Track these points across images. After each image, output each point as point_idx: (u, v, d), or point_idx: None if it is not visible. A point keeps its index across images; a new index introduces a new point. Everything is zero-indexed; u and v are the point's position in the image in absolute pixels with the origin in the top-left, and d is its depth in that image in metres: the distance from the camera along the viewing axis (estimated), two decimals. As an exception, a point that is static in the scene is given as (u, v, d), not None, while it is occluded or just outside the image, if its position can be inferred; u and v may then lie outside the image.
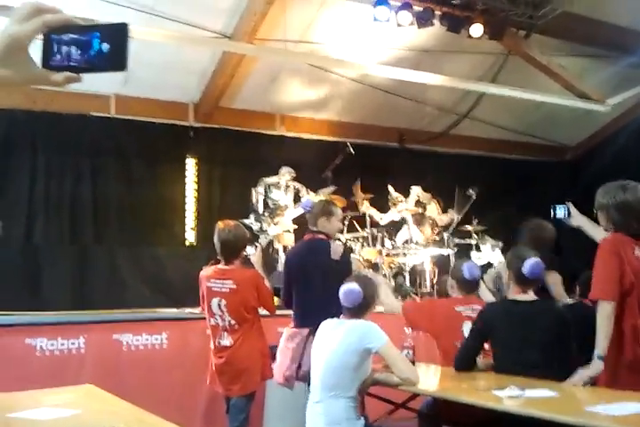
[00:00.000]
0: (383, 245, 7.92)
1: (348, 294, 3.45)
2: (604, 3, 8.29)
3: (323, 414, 3.37)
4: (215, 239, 4.25)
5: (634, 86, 9.64)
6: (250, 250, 4.71)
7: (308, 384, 3.62)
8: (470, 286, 4.25)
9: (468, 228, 8.36)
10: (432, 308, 4.39)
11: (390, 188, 8.28)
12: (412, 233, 7.99)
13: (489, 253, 8.12)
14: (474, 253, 8.17)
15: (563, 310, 3.78)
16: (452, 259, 7.87)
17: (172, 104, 8.80)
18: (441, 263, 8.03)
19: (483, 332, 3.70)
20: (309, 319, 4.05)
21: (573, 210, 4.07)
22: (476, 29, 8.08)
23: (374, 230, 8.01)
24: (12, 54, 1.09)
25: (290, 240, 7.49)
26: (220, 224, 4.28)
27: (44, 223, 8.03)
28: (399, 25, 7.69)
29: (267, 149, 9.06)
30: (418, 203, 8.31)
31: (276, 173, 7.99)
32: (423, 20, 7.82)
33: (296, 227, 7.53)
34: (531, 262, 3.64)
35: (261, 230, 7.47)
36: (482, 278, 4.48)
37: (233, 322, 4.11)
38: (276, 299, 4.75)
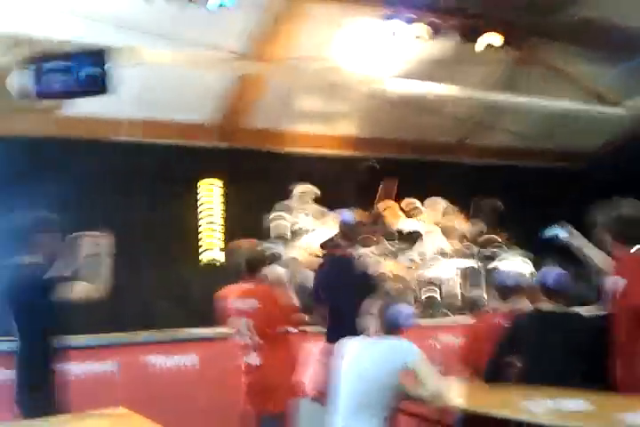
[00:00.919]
0: (411, 260, 7.88)
1: (397, 314, 3.44)
2: (621, 7, 8.23)
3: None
4: (236, 258, 4.27)
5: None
6: (274, 268, 4.72)
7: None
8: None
9: (494, 238, 8.30)
10: None
11: (415, 200, 8.26)
12: (438, 245, 7.95)
13: (517, 263, 8.04)
14: (500, 264, 8.09)
15: (593, 320, 3.73)
16: (482, 271, 7.84)
17: (191, 126, 8.86)
18: (469, 275, 7.99)
19: (511, 343, 3.66)
20: (340, 334, 4.05)
21: (573, 231, 4.05)
22: (492, 39, 8.07)
23: (399, 243, 7.98)
24: None
25: (312, 262, 7.44)
26: (237, 243, 4.31)
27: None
28: (413, 37, 7.72)
29: (286, 167, 9.07)
30: (443, 215, 8.29)
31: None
32: (437, 31, 7.84)
33: (318, 248, 7.51)
34: (554, 273, 3.61)
35: (282, 254, 7.45)
36: None
37: (260, 341, 4.10)
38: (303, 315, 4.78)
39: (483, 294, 7.93)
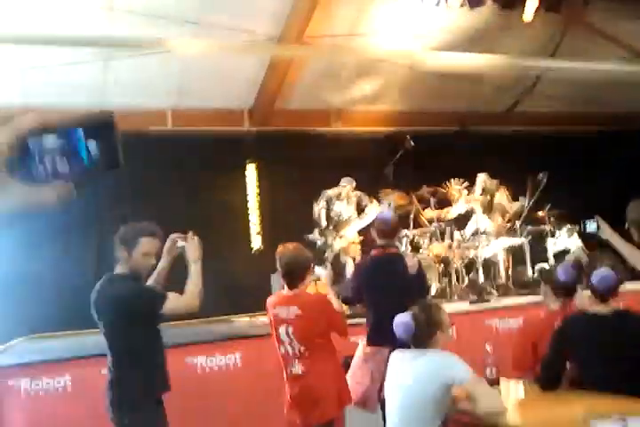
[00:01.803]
0: (452, 239, 7.69)
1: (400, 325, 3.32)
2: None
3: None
4: (277, 264, 4.15)
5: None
6: (319, 271, 4.58)
7: (383, 411, 3.50)
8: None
9: (541, 214, 8.02)
10: None
11: (453, 182, 8.03)
12: (480, 223, 7.73)
13: (565, 238, 7.78)
14: (549, 240, 7.85)
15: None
16: (527, 248, 7.60)
17: (227, 111, 8.75)
18: (515, 253, 7.76)
19: (564, 347, 3.48)
20: (385, 337, 3.94)
21: (602, 224, 4.04)
22: (532, 3, 7.73)
23: (442, 224, 7.78)
24: None
25: (356, 252, 7.34)
26: (279, 248, 4.17)
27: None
28: (452, 7, 7.45)
29: (325, 148, 8.91)
30: (484, 191, 8.03)
31: (336, 171, 7.83)
32: (474, 0, 7.55)
33: (362, 238, 7.38)
34: (607, 275, 3.40)
35: (326, 245, 7.33)
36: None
37: (302, 349, 3.98)
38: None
39: (528, 273, 7.73)
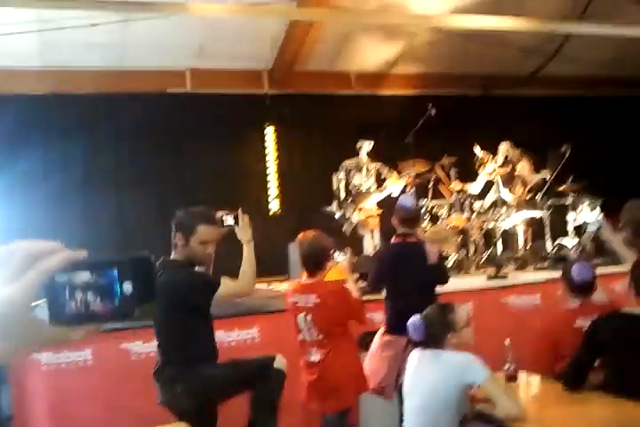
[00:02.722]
0: (472, 211, 7.60)
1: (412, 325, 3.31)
2: None
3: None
4: (300, 252, 4.11)
5: None
6: (338, 257, 4.54)
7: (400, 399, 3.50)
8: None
9: (564, 187, 7.84)
10: None
11: (477, 148, 7.87)
12: (501, 195, 7.61)
13: (586, 212, 7.64)
14: (570, 214, 7.72)
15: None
16: (547, 221, 7.50)
17: (246, 73, 8.60)
18: (535, 226, 7.67)
19: (595, 347, 3.41)
20: (403, 326, 3.93)
21: (605, 224, 4.06)
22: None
23: (462, 196, 7.68)
24: (11, 324, 0.81)
25: (374, 224, 7.28)
26: (300, 236, 4.13)
27: (134, 198, 8.14)
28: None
29: (345, 110, 8.76)
30: (506, 161, 7.86)
31: (356, 136, 7.68)
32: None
33: (381, 211, 7.30)
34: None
35: (345, 218, 7.27)
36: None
37: (321, 336, 3.99)
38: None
39: (547, 247, 7.65)
